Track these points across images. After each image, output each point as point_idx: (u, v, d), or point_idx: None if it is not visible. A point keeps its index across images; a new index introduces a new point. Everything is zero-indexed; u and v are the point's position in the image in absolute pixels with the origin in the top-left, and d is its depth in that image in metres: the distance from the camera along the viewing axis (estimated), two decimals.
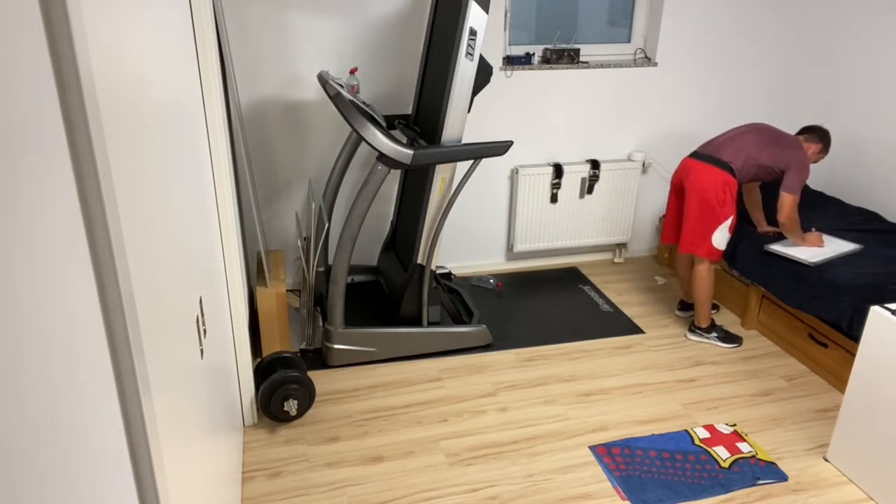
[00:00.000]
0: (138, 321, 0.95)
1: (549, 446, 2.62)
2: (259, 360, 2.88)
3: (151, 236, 1.13)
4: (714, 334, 3.33)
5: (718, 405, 2.89)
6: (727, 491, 2.41)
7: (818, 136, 3.21)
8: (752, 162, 3.09)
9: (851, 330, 2.81)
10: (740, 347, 3.32)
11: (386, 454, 2.57)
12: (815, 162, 3.21)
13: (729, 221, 3.11)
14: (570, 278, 4.02)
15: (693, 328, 3.38)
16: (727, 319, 3.57)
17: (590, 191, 3.95)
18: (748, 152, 3.08)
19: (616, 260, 4.26)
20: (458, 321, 3.35)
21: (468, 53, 2.72)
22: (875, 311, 2.30)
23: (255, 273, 3.21)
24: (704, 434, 2.70)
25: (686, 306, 3.57)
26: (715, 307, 3.61)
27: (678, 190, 3.28)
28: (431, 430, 2.70)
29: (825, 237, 3.35)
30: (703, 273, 3.22)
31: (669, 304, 3.72)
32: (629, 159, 4.01)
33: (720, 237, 3.13)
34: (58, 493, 0.68)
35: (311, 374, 3.02)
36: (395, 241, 3.51)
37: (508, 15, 3.60)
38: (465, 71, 2.74)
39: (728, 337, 3.33)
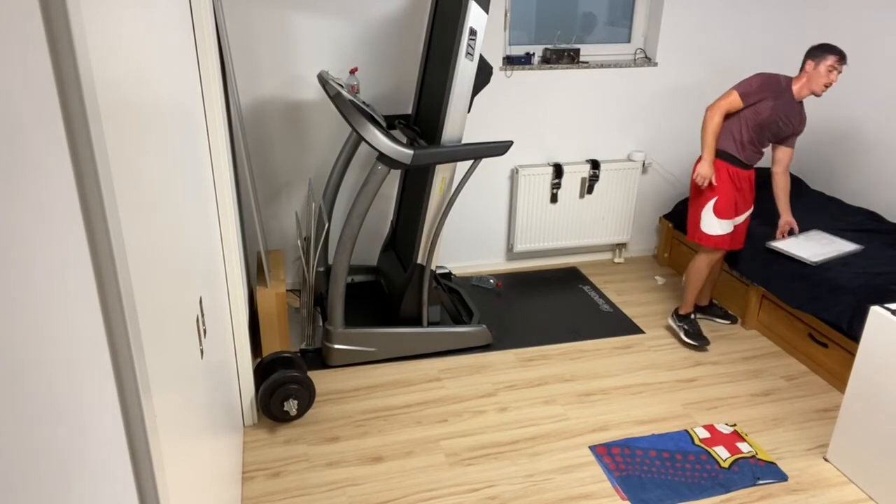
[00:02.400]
0: (138, 321, 0.95)
1: (549, 446, 2.62)
2: (259, 360, 2.88)
3: (151, 236, 1.13)
4: (683, 325, 3.31)
5: (718, 405, 2.89)
6: (727, 491, 2.41)
7: (806, 57, 2.95)
8: (741, 133, 3.01)
9: (851, 330, 2.81)
10: (740, 347, 3.31)
11: (386, 454, 2.57)
12: (828, 81, 2.87)
13: (712, 203, 3.10)
14: (570, 278, 4.02)
15: (674, 313, 3.38)
16: None
17: (590, 191, 3.95)
18: (727, 126, 3.05)
19: (616, 260, 4.26)
20: (458, 321, 3.35)
21: (468, 53, 2.72)
22: (875, 311, 2.30)
23: (255, 273, 3.21)
24: (704, 434, 2.70)
25: (701, 309, 3.54)
26: (733, 319, 3.53)
27: None
28: (431, 430, 2.70)
29: (826, 236, 3.33)
30: (698, 261, 3.25)
31: (670, 304, 3.71)
32: (629, 159, 4.01)
33: (708, 220, 3.13)
34: (58, 494, 0.68)
35: (311, 374, 3.02)
36: (395, 241, 3.51)
37: (508, 15, 3.60)
38: (465, 71, 2.74)
39: (695, 335, 3.28)
